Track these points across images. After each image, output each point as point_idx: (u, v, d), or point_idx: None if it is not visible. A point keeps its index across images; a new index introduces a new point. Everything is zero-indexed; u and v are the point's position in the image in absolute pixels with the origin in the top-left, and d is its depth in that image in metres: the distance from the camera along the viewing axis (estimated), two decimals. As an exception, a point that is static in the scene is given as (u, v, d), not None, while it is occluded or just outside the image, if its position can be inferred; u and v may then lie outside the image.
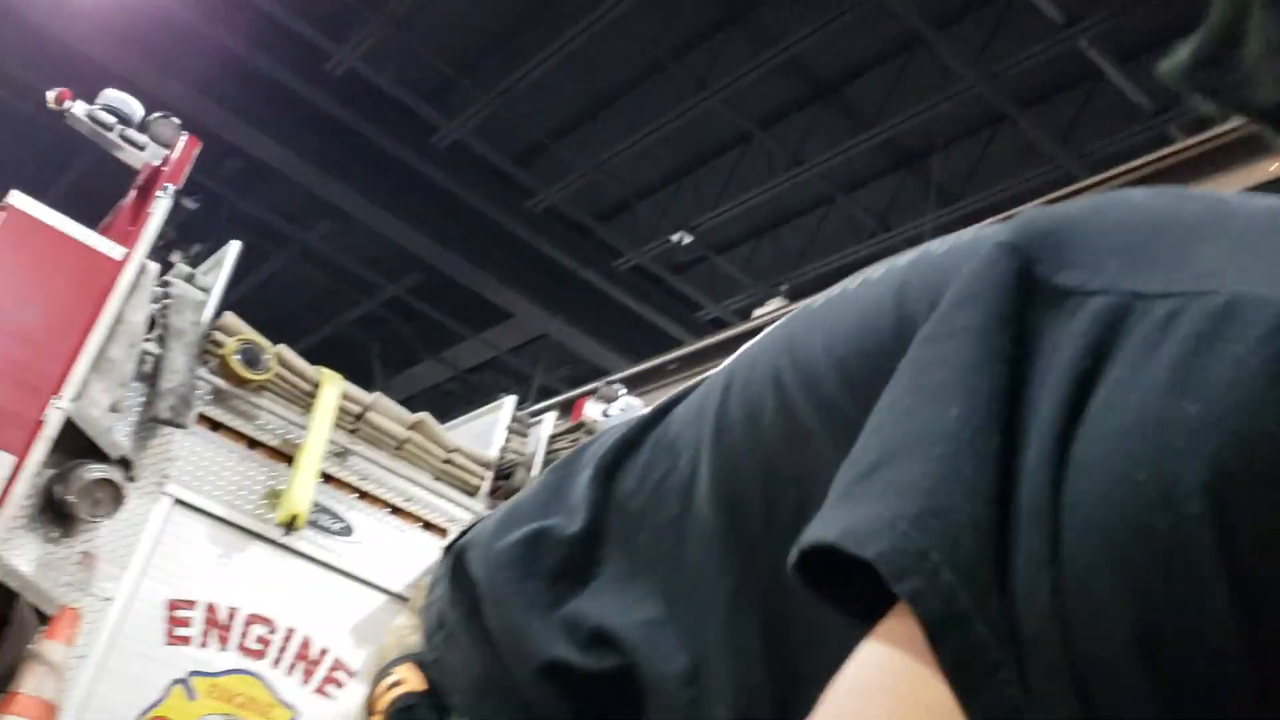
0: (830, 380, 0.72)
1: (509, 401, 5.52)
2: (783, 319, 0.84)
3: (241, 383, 4.52)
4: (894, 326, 0.68)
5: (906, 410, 0.61)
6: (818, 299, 0.81)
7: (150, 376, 4.30)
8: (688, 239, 10.35)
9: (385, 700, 0.92)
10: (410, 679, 0.93)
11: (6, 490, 3.68)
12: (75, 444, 3.95)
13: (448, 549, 1.01)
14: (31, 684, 3.75)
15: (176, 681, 4.28)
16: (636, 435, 0.93)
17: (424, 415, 5.03)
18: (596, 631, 0.80)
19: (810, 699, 0.56)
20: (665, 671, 0.77)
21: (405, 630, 1.01)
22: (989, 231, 0.68)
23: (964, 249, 0.69)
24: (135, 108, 4.33)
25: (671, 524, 0.83)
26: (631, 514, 0.87)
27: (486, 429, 5.30)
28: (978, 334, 0.60)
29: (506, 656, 0.85)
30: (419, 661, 0.94)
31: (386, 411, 4.93)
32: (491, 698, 0.86)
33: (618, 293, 11.17)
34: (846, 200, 9.87)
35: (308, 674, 4.56)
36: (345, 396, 4.80)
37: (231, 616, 4.45)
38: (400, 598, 4.72)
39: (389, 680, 0.94)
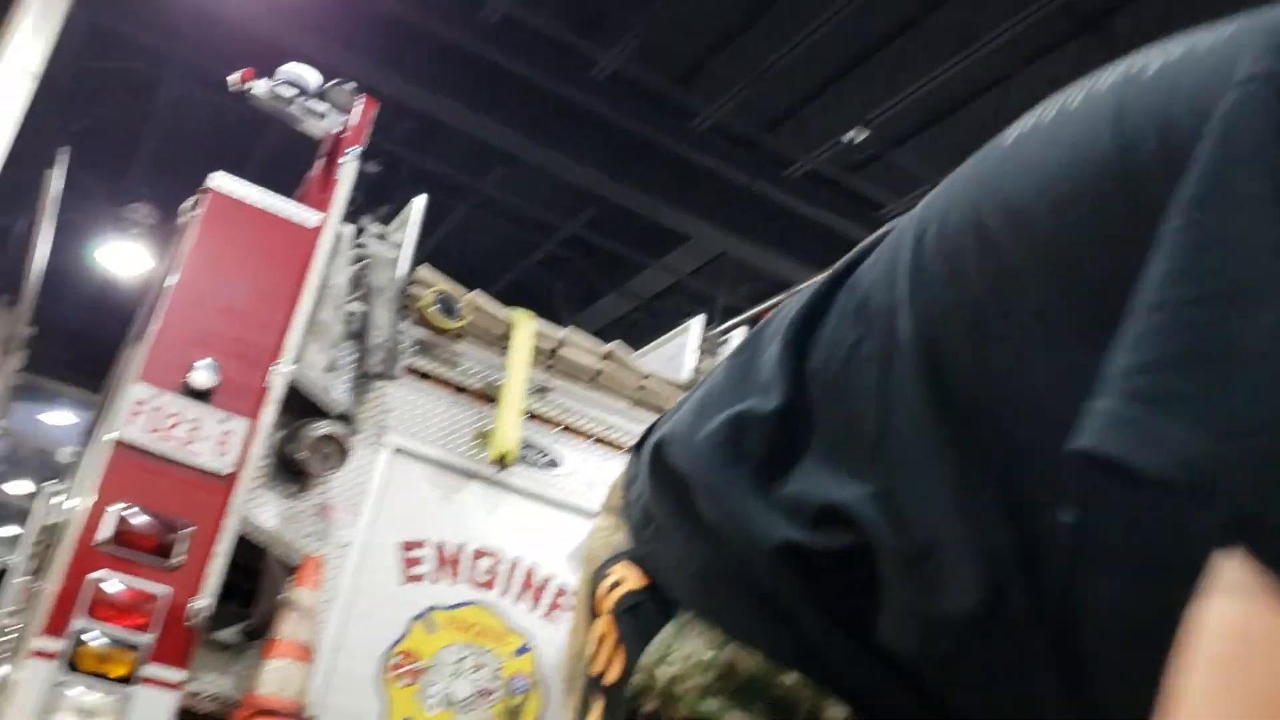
0: (1044, 222, 0.67)
1: (696, 323, 5.56)
2: (969, 160, 0.79)
3: (440, 331, 4.70)
4: (1116, 163, 0.63)
5: (1201, 302, 0.54)
6: (1007, 135, 0.76)
7: (358, 335, 4.52)
8: (861, 136, 10.08)
9: (610, 600, 0.91)
10: (629, 576, 0.91)
11: (245, 453, 3.97)
12: (299, 405, 4.21)
13: (638, 447, 1.00)
14: (288, 628, 4.06)
15: (416, 617, 4.55)
16: (820, 303, 0.88)
17: (615, 344, 5.12)
18: (824, 509, 0.77)
19: (1058, 567, 0.55)
20: (897, 546, 0.74)
21: (606, 530, 0.98)
22: (1223, 46, 0.60)
23: (1189, 70, 0.62)
24: (312, 79, 4.52)
25: (873, 393, 0.79)
26: (827, 385, 0.83)
27: (676, 352, 5.36)
28: (1272, 205, 0.52)
29: (730, 546, 0.82)
30: (632, 558, 0.92)
31: (579, 345, 5.04)
32: (718, 590, 0.84)
33: (793, 201, 11.01)
34: (1025, 74, 9.39)
35: (535, 601, 4.77)
36: (538, 335, 4.93)
37: (459, 552, 4.69)
38: (612, 522, 4.86)
39: (609, 580, 0.93)
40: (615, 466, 4.96)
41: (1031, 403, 0.67)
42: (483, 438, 4.76)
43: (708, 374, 1.01)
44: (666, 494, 0.91)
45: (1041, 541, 0.68)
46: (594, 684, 0.89)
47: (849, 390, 0.81)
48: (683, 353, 5.32)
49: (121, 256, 12.84)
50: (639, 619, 0.87)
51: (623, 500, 1.00)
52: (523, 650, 4.69)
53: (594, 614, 0.93)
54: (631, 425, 5.05)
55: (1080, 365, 0.61)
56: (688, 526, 0.87)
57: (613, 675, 0.86)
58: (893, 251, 0.83)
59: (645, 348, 5.68)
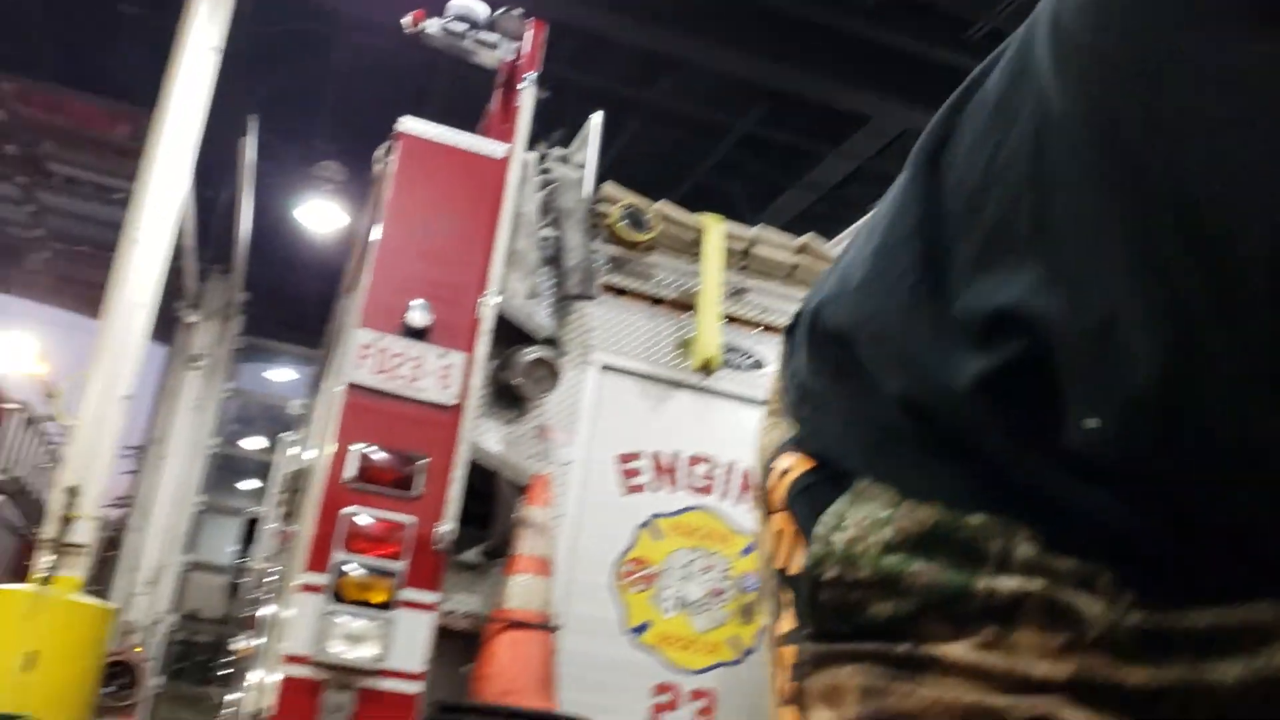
0: None
1: (887, 205, 5.42)
2: None
3: (632, 246, 4.75)
4: None
5: None
6: None
7: (553, 259, 4.62)
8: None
9: (781, 489, 0.88)
10: (796, 462, 0.88)
11: (466, 384, 4.13)
12: (508, 333, 4.35)
13: (790, 330, 0.96)
14: (526, 545, 4.25)
15: (641, 525, 4.68)
16: (945, 127, 0.83)
17: (809, 237, 5.06)
18: (991, 318, 0.72)
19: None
20: (1074, 327, 0.68)
21: (768, 429, 0.96)
22: None
23: None
24: (481, 10, 4.56)
25: (1025, 184, 0.73)
26: (970, 196, 0.77)
27: (873, 237, 5.24)
28: None
29: (900, 390, 0.78)
30: (795, 444, 0.89)
31: (771, 242, 5.00)
32: (889, 445, 0.79)
33: (978, 65, 10.50)
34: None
35: (755, 501, 4.83)
36: (728, 237, 4.91)
37: (675, 461, 4.77)
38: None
39: (777, 471, 0.90)
40: (820, 360, 4.94)
41: (1211, 135, 0.61)
42: (685, 346, 4.81)
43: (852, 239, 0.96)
44: (825, 359, 0.87)
45: (1235, 285, 0.62)
46: (781, 580, 0.87)
47: (996, 192, 0.75)
48: (877, 237, 5.21)
49: (319, 214, 13.43)
50: (811, 501, 0.83)
51: (779, 391, 0.96)
52: (749, 550, 4.77)
53: (770, 512, 0.90)
54: (833, 317, 5.00)
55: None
56: (851, 385, 0.83)
57: (796, 567, 0.82)
58: (1022, 47, 0.77)
59: (838, 236, 5.59)
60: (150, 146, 7.40)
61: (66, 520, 6.70)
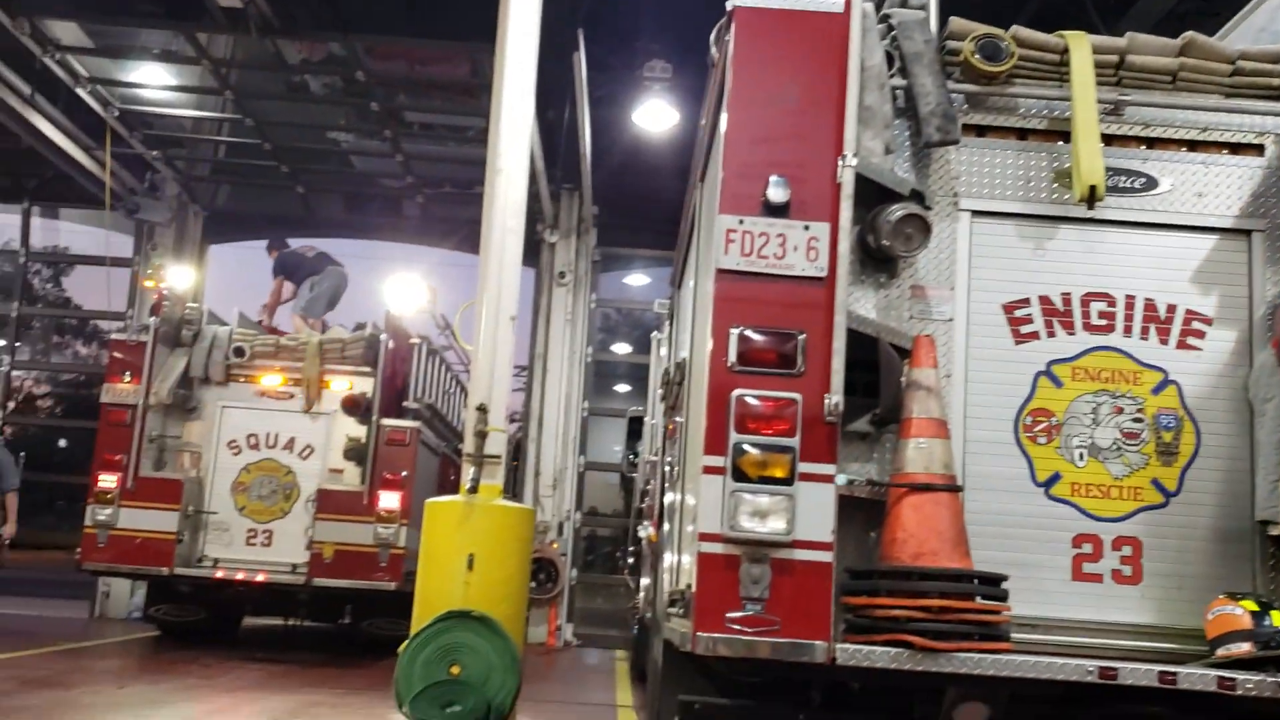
0: None
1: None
2: None
3: (990, 79, 4.44)
4: None
5: None
6: None
7: (906, 109, 4.40)
8: None
9: None
10: None
11: (834, 254, 4.05)
12: (870, 194, 4.21)
13: None
14: (917, 408, 4.15)
15: (1039, 374, 4.44)
16: None
17: (1189, 35, 4.51)
18: None
19: None
20: None
21: None
22: None
23: None
24: None
25: None
26: None
27: (1269, 18, 4.59)
28: None
29: None
30: None
31: (1146, 48, 4.51)
32: None
33: None
34: None
35: (1162, 334, 4.45)
36: (1096, 51, 4.47)
37: (1066, 302, 4.48)
38: (1235, 231, 4.37)
39: None
40: (1220, 170, 4.43)
41: None
42: (1063, 177, 4.46)
43: None
44: None
45: None
46: None
47: None
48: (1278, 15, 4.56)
49: (654, 114, 13.63)
50: None
51: None
52: (1162, 386, 4.41)
53: None
54: (1232, 119, 4.46)
55: None
56: None
57: None
58: None
59: (1225, 27, 4.95)
60: (495, 78, 7.75)
61: (481, 435, 7.30)
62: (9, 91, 11.94)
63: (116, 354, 10.74)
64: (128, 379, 10.58)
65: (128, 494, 10.31)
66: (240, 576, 10.36)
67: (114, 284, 14.88)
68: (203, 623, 11.62)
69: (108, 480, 10.30)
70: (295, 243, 13.38)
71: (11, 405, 16.55)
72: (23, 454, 13.38)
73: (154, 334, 10.74)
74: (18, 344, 16.77)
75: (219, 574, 10.44)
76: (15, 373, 17.51)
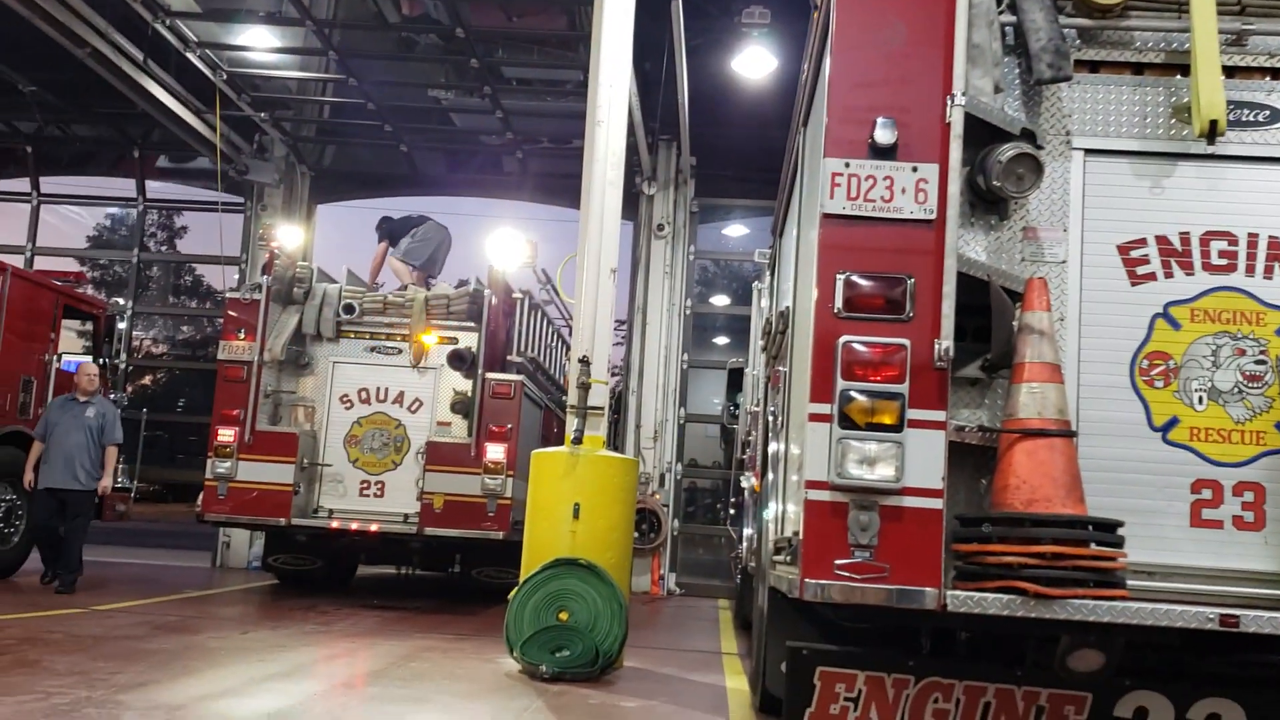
0: None
1: None
2: None
3: (1103, 11, 4.30)
4: None
5: None
6: None
7: (1015, 45, 4.29)
8: None
9: None
10: None
11: (943, 196, 3.99)
12: (979, 134, 4.12)
13: None
14: (1030, 352, 4.07)
15: (1156, 316, 4.33)
16: None
17: (1319, -45, 4.30)
18: None
19: None
20: None
21: None
22: None
23: None
24: None
25: None
26: None
27: None
28: None
29: None
30: None
31: (1273, -28, 4.30)
32: None
33: None
34: None
35: (1288, 272, 4.29)
36: (1218, -22, 4.29)
37: (1185, 241, 4.34)
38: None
39: None
40: (1353, 99, 4.23)
41: None
42: (1182, 112, 4.31)
43: None
44: None
45: None
46: None
47: None
48: None
49: (751, 61, 13.48)
50: None
51: None
52: (1289, 325, 4.26)
53: None
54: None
55: None
56: None
57: None
58: None
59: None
60: (594, 30, 7.75)
61: (585, 387, 7.38)
62: (123, 57, 12.31)
63: (231, 312, 11.09)
64: (243, 336, 10.93)
65: (245, 448, 10.68)
66: (355, 527, 10.69)
67: (226, 239, 15.28)
68: (319, 571, 12.05)
69: (226, 434, 10.68)
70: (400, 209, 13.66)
71: (128, 368, 17.21)
72: (145, 410, 13.94)
73: (266, 292, 11.06)
74: (135, 306, 17.37)
75: (334, 524, 10.78)
76: (135, 332, 18.18)
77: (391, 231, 12.83)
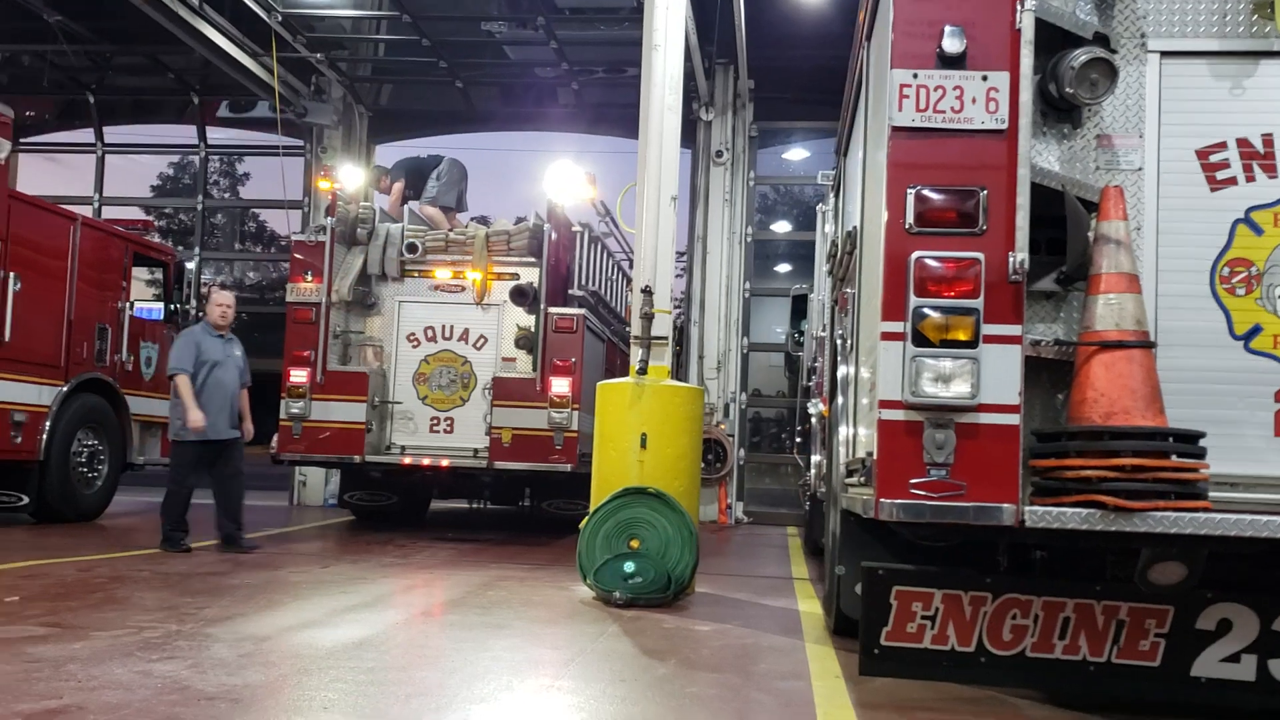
0: None
1: None
2: None
3: (1182, -94, 4.12)
4: None
5: None
6: None
7: (1088, -55, 4.14)
8: None
9: None
10: None
11: (1015, 104, 3.88)
12: (1049, 39, 3.99)
13: None
14: (1106, 262, 3.98)
15: (1237, 222, 4.20)
16: None
17: None
18: None
19: None
20: None
21: None
22: None
23: None
24: None
25: None
26: None
27: None
28: None
29: None
30: None
31: None
32: None
33: None
34: None
35: (1379, 171, 4.13)
36: None
37: (1268, 144, 4.19)
38: None
39: None
40: None
41: None
42: (1264, 8, 4.14)
43: None
44: None
45: None
46: None
47: None
48: None
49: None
50: None
51: None
52: (1377, 227, 4.11)
53: None
54: None
55: None
56: None
57: None
58: None
59: None
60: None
61: (648, 317, 7.38)
62: (179, 3, 12.37)
63: (298, 255, 11.21)
64: (309, 278, 11.06)
65: (318, 388, 10.86)
66: (426, 462, 10.86)
67: (287, 183, 15.44)
68: (394, 507, 12.29)
69: (299, 375, 10.86)
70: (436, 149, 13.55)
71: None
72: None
73: (331, 234, 11.16)
74: (202, 251, 17.65)
75: (406, 460, 10.96)
76: (203, 278, 18.50)
77: (406, 170, 12.70)
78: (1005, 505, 3.83)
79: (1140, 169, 4.21)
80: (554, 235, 11.25)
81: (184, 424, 8.70)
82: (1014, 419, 3.87)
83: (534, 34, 14.17)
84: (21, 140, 16.29)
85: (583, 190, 11.56)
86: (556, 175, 11.26)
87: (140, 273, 12.51)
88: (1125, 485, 3.72)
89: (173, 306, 12.62)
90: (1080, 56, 3.97)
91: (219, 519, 9.08)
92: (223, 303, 9.22)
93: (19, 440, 10.11)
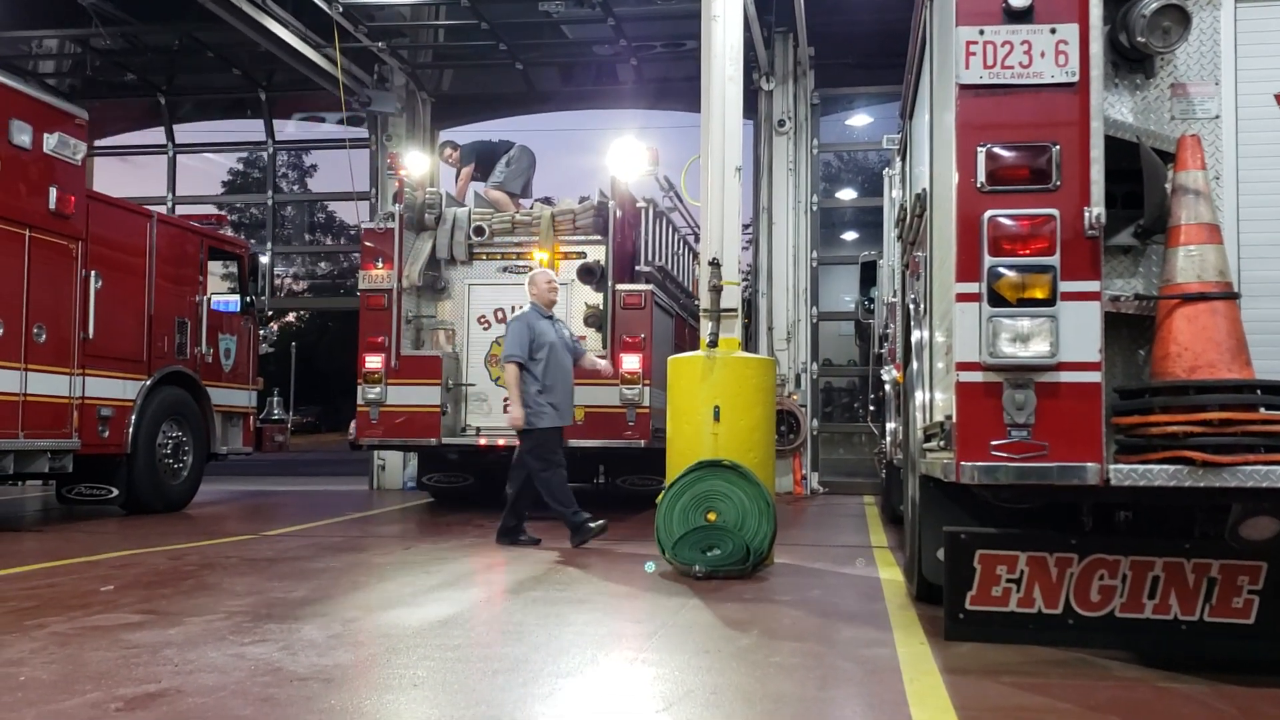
0: None
1: None
2: None
3: None
4: None
5: None
6: None
7: (1158, -112, 4.03)
8: None
9: None
10: None
11: (1085, 57, 3.80)
12: (1121, -13, 3.91)
13: None
14: (1185, 214, 3.89)
15: (1323, 166, 4.07)
16: None
17: None
18: None
19: None
20: None
21: None
22: None
23: None
24: None
25: None
26: None
27: None
28: None
29: None
30: None
31: None
32: None
33: None
34: None
35: None
36: None
37: (1353, 83, 4.05)
38: None
39: None
40: None
41: None
42: (1346, -57, 4.00)
43: None
44: None
45: None
46: None
47: None
48: None
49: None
50: None
51: None
52: None
53: None
54: None
55: None
56: None
57: None
58: None
59: None
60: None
61: (716, 290, 7.36)
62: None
63: (368, 243, 11.37)
64: (380, 265, 11.21)
65: (393, 373, 11.02)
66: (502, 443, 10.96)
67: (354, 173, 15.63)
68: (471, 487, 12.46)
69: (374, 361, 11.03)
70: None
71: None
72: (294, 344, 14.43)
73: (399, 220, 11.30)
74: (273, 245, 17.95)
75: (482, 441, 11.09)
76: (276, 269, 18.83)
77: (478, 154, 12.75)
78: (1089, 464, 3.77)
79: (1217, 117, 4.10)
80: (619, 213, 11.27)
81: (534, 410, 8.29)
82: (1095, 376, 3.81)
83: (591, 11, 14.15)
84: (95, 144, 16.69)
85: (646, 166, 11.55)
86: (619, 152, 11.26)
87: (215, 267, 12.75)
88: (1213, 440, 3.65)
89: (248, 299, 12.87)
90: (1151, 4, 3.88)
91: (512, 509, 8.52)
92: (549, 279, 8.81)
93: (106, 434, 10.40)
